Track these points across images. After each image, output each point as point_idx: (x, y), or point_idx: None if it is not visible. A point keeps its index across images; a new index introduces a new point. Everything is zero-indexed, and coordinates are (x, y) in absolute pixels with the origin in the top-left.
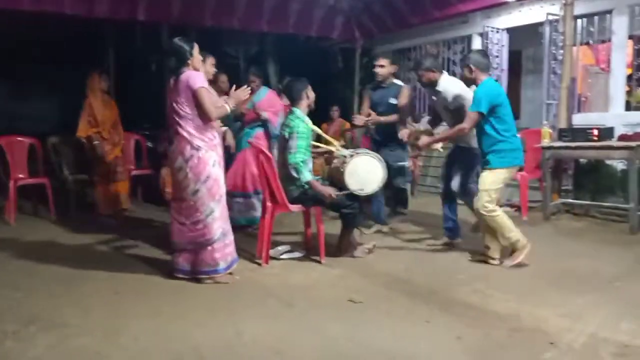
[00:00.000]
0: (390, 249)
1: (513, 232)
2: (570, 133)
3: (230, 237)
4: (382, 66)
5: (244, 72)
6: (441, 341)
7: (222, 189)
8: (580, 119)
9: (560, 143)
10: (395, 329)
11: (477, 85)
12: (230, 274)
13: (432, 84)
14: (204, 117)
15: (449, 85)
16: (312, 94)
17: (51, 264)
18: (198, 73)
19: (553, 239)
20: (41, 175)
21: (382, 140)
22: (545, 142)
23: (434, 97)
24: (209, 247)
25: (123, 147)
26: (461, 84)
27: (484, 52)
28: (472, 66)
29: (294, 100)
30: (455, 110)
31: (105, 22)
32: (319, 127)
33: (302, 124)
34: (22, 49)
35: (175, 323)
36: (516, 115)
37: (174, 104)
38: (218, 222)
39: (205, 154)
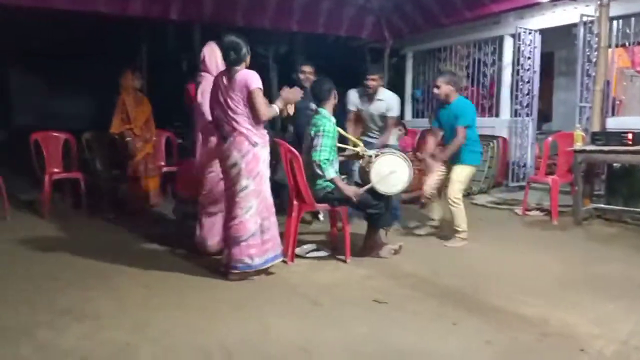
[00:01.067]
0: (416, 250)
1: (464, 224)
2: (604, 137)
3: (272, 233)
4: (310, 73)
5: (272, 71)
6: (469, 344)
7: (265, 185)
8: (614, 123)
9: (593, 147)
10: (421, 330)
11: (449, 101)
12: (266, 270)
13: (375, 92)
14: (255, 116)
15: (390, 95)
16: (336, 94)
17: (84, 257)
18: (254, 73)
19: (584, 244)
20: (75, 170)
21: None
22: (578, 145)
23: (360, 107)
24: (243, 243)
25: (154, 144)
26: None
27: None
28: (455, 85)
29: (321, 101)
30: (386, 118)
31: (139, 20)
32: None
33: (329, 123)
34: (57, 47)
35: (203, 317)
36: (548, 117)
37: (229, 100)
38: (254, 218)
39: (260, 151)
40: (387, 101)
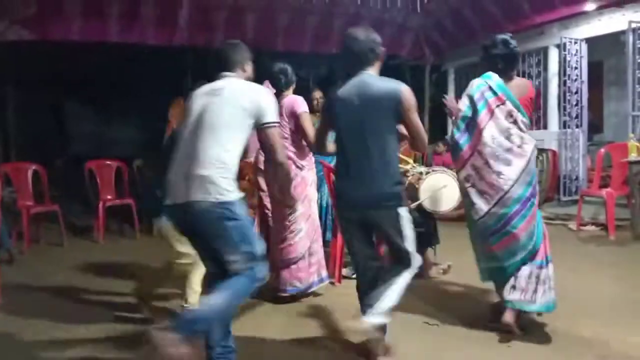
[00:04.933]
0: (465, 269)
1: None
2: None
3: (317, 257)
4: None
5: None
6: None
7: (313, 208)
8: None
9: None
10: (474, 352)
11: None
12: (314, 293)
13: None
14: (305, 140)
15: None
16: None
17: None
18: (300, 98)
19: None
20: (127, 197)
21: None
22: (633, 156)
23: None
24: (293, 266)
25: None
26: None
27: None
28: None
29: None
30: None
31: (184, 49)
32: None
33: None
34: (108, 77)
35: (254, 342)
36: (599, 128)
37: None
38: (304, 241)
39: (307, 174)
40: None
